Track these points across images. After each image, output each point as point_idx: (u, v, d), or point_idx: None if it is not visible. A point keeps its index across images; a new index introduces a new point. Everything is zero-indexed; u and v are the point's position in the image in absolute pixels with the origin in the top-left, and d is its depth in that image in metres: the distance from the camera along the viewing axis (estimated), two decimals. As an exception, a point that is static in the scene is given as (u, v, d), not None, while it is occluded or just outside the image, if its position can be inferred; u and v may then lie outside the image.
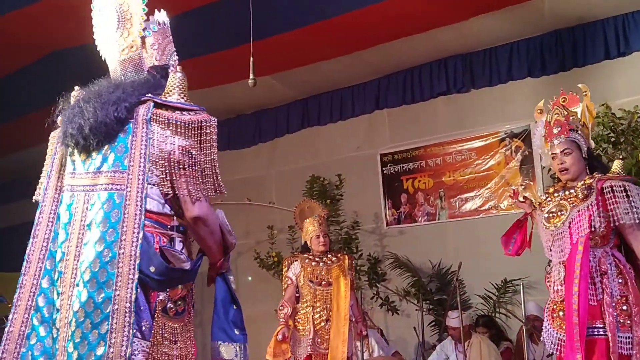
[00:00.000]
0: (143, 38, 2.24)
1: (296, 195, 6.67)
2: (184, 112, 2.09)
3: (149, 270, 1.98)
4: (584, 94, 3.44)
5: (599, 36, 6.14)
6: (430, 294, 6.71)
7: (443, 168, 7.04)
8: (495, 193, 6.69)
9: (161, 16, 2.31)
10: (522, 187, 3.80)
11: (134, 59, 2.23)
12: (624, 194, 3.03)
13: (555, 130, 3.27)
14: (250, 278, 8.02)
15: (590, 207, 3.07)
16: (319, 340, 4.54)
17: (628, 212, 3.00)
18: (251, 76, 4.61)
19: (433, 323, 6.62)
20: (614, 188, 3.05)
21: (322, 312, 4.58)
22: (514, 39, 6.56)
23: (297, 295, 4.74)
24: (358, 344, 4.92)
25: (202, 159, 2.07)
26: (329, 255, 4.77)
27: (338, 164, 7.46)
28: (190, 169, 2.06)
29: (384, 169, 7.41)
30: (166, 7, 2.36)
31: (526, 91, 6.46)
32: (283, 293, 4.81)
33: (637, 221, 3.01)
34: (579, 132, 3.27)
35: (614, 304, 2.97)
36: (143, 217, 1.99)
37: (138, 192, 2.01)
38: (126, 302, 1.92)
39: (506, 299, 6.36)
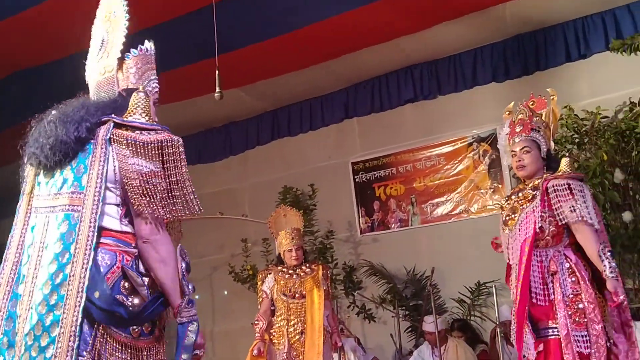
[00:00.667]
0: (122, 60, 2.19)
1: (269, 207, 6.64)
2: (143, 132, 2.05)
3: (93, 295, 1.89)
4: (551, 97, 3.51)
5: (559, 39, 6.25)
6: (405, 300, 6.74)
7: (413, 174, 7.10)
8: (465, 197, 6.76)
9: (148, 44, 2.26)
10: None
11: (109, 79, 2.20)
12: (568, 191, 3.06)
13: (517, 129, 3.34)
14: (226, 292, 7.97)
15: (535, 208, 3.10)
16: (295, 353, 4.51)
17: (573, 210, 3.02)
18: (217, 89, 4.60)
19: (409, 329, 6.65)
20: (557, 187, 3.08)
21: (296, 325, 4.55)
22: (478, 45, 6.65)
23: (272, 308, 4.71)
24: (335, 355, 4.90)
25: (166, 182, 2.00)
26: (302, 267, 4.74)
27: (310, 174, 7.46)
28: (149, 195, 1.98)
29: (355, 177, 7.44)
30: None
31: (491, 96, 6.56)
32: (259, 307, 4.79)
33: (582, 218, 3.01)
34: (541, 132, 3.33)
35: (567, 304, 2.99)
36: (95, 238, 1.94)
37: (92, 212, 1.95)
38: (72, 326, 1.85)
39: (480, 301, 6.41)
